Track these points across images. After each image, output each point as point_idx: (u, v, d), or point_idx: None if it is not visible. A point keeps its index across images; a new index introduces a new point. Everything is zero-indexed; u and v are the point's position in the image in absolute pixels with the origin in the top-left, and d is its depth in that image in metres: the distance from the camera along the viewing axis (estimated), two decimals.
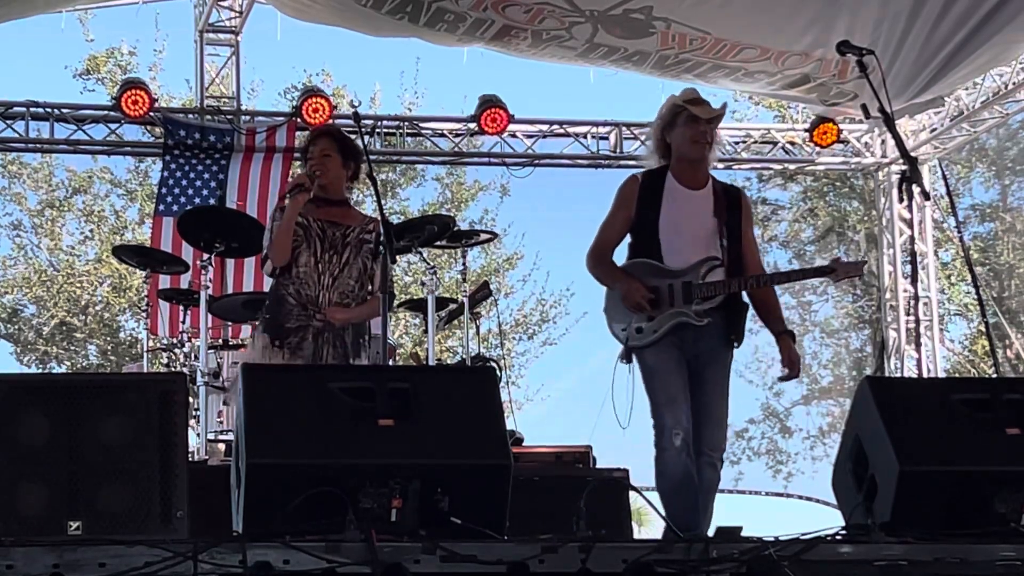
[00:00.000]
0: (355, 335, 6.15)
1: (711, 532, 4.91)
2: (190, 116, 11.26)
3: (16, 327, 21.05)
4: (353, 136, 6.29)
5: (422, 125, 11.96)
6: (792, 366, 5.69)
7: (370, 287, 6.14)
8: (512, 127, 11.50)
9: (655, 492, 5.46)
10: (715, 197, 5.70)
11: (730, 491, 15.88)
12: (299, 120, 10.84)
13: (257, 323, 6.71)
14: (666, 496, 5.44)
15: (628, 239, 5.77)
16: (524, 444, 8.21)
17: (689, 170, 5.70)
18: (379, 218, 5.97)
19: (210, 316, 8.01)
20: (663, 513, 5.01)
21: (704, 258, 5.60)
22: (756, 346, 19.62)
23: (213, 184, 10.78)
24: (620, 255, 5.82)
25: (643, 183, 5.74)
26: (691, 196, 5.69)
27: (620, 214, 5.75)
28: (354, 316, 6.09)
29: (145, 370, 8.69)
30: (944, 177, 12.24)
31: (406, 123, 11.99)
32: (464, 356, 9.03)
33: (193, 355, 8.31)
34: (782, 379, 5.86)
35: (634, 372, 5.62)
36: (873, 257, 12.35)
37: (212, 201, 10.65)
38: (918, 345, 11.95)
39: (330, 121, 10.58)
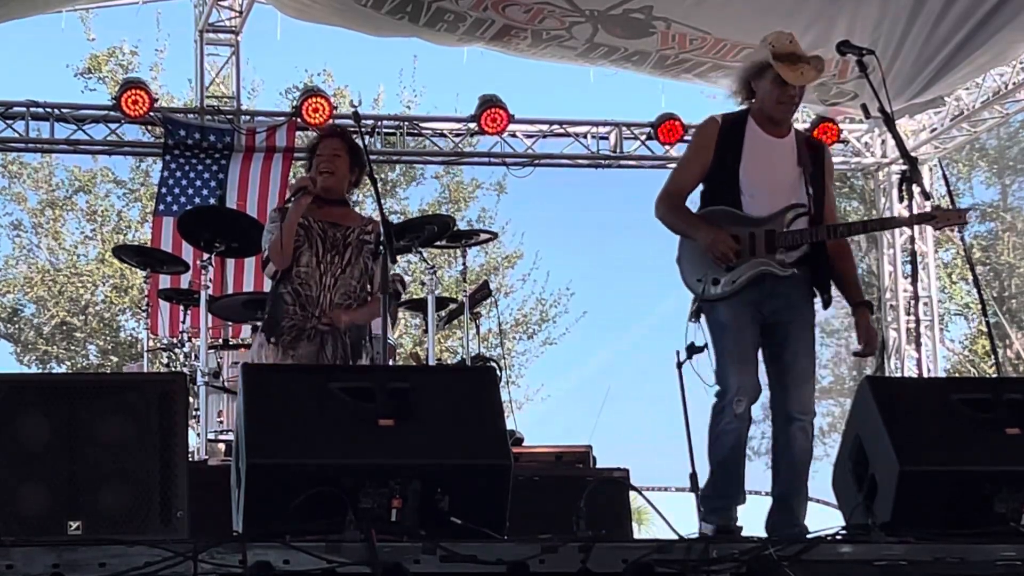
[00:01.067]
0: (356, 336, 6.15)
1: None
2: (190, 116, 11.26)
3: (16, 327, 21.05)
4: (353, 135, 6.30)
5: (422, 125, 11.96)
6: (869, 341, 5.36)
7: (370, 287, 6.15)
8: (512, 127, 11.50)
9: (655, 492, 5.45)
10: (798, 147, 5.40)
11: None
12: (299, 120, 10.84)
13: (256, 329, 6.73)
14: (716, 463, 5.29)
15: (701, 186, 5.45)
16: (524, 444, 8.21)
17: (771, 120, 5.39)
18: (378, 218, 5.97)
19: (210, 316, 8.01)
20: (663, 513, 4.99)
21: (789, 205, 5.30)
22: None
23: (213, 184, 10.78)
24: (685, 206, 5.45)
25: (723, 126, 5.40)
26: (774, 144, 5.37)
27: (698, 158, 5.43)
28: (358, 318, 6.09)
29: (145, 370, 8.69)
30: (944, 177, 12.23)
31: (406, 123, 11.99)
32: (464, 356, 9.03)
33: (193, 355, 8.31)
34: (857, 355, 5.51)
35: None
36: (873, 257, 12.34)
37: (212, 201, 10.65)
38: (918, 345, 11.95)
39: (334, 122, 10.58)
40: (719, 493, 5.33)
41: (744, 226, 5.26)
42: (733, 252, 5.20)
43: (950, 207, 5.50)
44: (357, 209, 7.33)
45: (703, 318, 5.31)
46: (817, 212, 5.32)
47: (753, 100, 5.42)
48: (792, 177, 5.34)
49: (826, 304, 5.36)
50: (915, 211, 5.33)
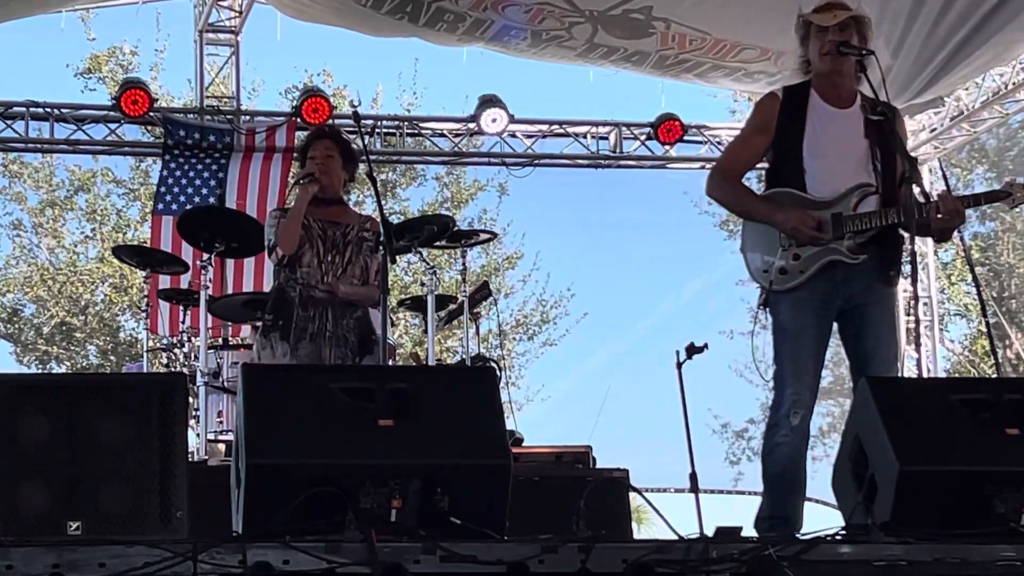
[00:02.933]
0: (361, 334, 6.18)
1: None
2: (190, 116, 11.26)
3: (16, 327, 21.05)
4: (353, 136, 6.32)
5: (422, 125, 11.96)
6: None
7: (368, 279, 6.20)
8: (512, 127, 11.51)
9: (655, 492, 5.40)
10: (865, 116, 5.12)
11: (730, 491, 15.90)
12: (299, 120, 10.84)
13: (256, 329, 6.73)
14: (769, 479, 5.04)
15: (767, 166, 5.22)
16: (524, 444, 8.21)
17: (831, 86, 5.13)
18: (375, 216, 5.99)
19: (210, 316, 8.01)
20: (662, 513, 4.98)
21: (855, 185, 5.04)
22: (757, 346, 19.61)
23: (213, 183, 10.79)
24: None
25: (784, 101, 5.16)
26: (838, 115, 5.11)
27: (757, 136, 5.19)
28: (355, 293, 6.13)
29: (145, 370, 8.70)
30: (944, 177, 12.22)
31: (406, 123, 11.99)
32: (464, 356, 9.03)
33: (193, 355, 8.32)
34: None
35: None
36: None
37: (211, 200, 10.66)
38: (918, 345, 11.94)
39: (330, 122, 10.58)
40: (775, 514, 5.03)
41: (809, 209, 5.04)
42: (822, 236, 4.95)
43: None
44: (357, 209, 7.35)
45: (769, 310, 5.09)
46: (888, 188, 5.04)
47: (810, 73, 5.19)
48: (859, 152, 5.07)
49: (893, 281, 5.10)
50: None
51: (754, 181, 5.51)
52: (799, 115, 5.12)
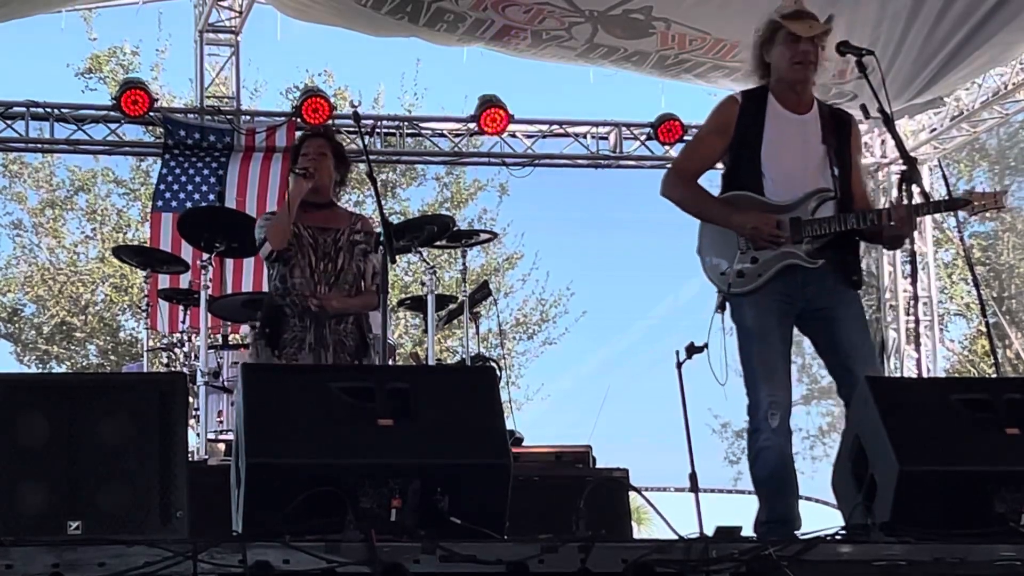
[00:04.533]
0: (359, 336, 6.17)
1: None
2: (190, 116, 11.27)
3: (16, 327, 21.05)
4: (353, 136, 6.31)
5: (422, 125, 11.96)
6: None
7: (364, 283, 6.17)
8: (512, 127, 11.51)
9: (655, 492, 5.40)
10: (823, 121, 5.13)
11: (730, 491, 15.89)
12: (299, 120, 10.84)
13: (254, 328, 6.72)
14: (760, 483, 5.02)
15: (723, 170, 5.20)
16: (524, 444, 8.21)
17: (792, 92, 5.13)
18: (366, 216, 5.99)
19: (210, 316, 8.01)
20: (662, 513, 4.97)
21: (813, 190, 5.04)
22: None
23: (212, 181, 10.80)
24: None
25: (743, 104, 5.14)
26: (796, 121, 5.12)
27: (715, 138, 5.16)
28: (348, 306, 6.10)
29: (145, 370, 8.70)
30: (944, 177, 12.24)
31: (406, 123, 11.99)
32: (464, 356, 9.03)
33: (193, 355, 8.32)
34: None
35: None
36: (872, 257, 12.34)
37: (211, 198, 10.67)
38: (918, 345, 11.95)
39: (328, 122, 10.59)
40: (772, 517, 4.99)
41: (767, 214, 5.04)
42: (781, 236, 4.95)
43: (985, 190, 5.27)
44: (358, 209, 7.34)
45: (728, 312, 5.09)
46: (844, 193, 5.06)
47: (768, 77, 5.17)
48: (817, 157, 5.08)
49: (856, 286, 5.09)
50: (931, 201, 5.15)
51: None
52: (758, 119, 5.10)
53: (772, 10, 5.22)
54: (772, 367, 4.99)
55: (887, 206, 5.18)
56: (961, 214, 5.35)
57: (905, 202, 5.07)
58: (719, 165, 5.29)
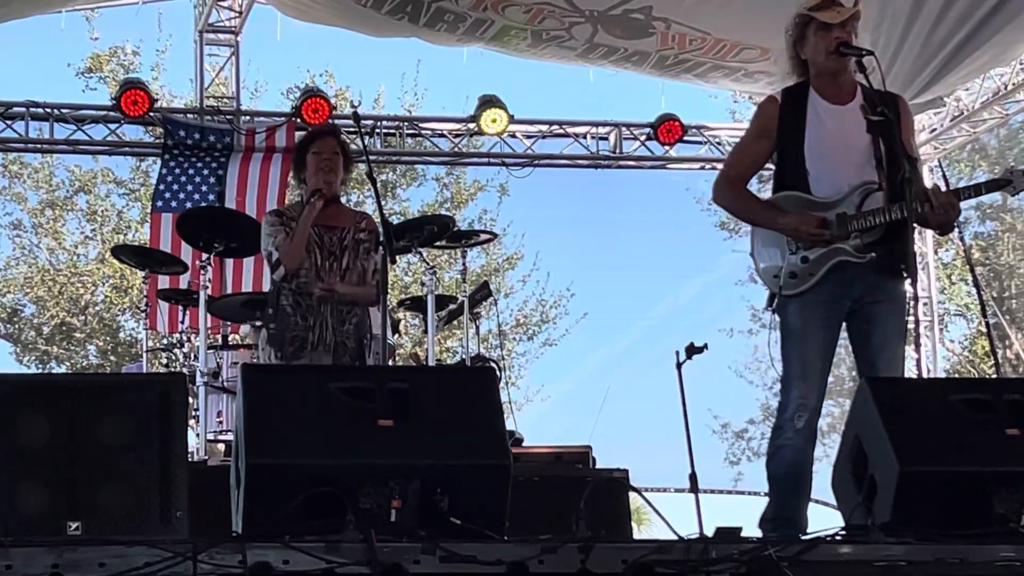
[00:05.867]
0: (359, 337, 6.17)
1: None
2: (190, 116, 11.26)
3: (16, 327, 21.05)
4: (353, 136, 6.32)
5: (422, 125, 11.96)
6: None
7: (365, 280, 6.19)
8: (512, 127, 11.51)
9: (655, 493, 5.39)
10: (870, 107, 5.05)
11: (730, 491, 15.90)
12: (299, 120, 10.84)
13: (258, 326, 6.72)
14: (773, 480, 5.05)
15: (773, 171, 5.20)
16: (524, 444, 8.22)
17: (832, 83, 5.10)
18: (370, 215, 5.99)
19: (209, 316, 8.01)
20: (662, 513, 4.97)
21: (858, 184, 5.01)
22: (756, 346, 19.60)
23: (212, 180, 10.80)
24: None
25: (783, 103, 5.15)
26: (838, 112, 5.09)
27: (758, 143, 5.19)
28: (353, 293, 6.12)
29: (145, 370, 8.70)
30: (944, 177, 12.22)
31: (406, 123, 11.99)
32: (464, 356, 9.03)
33: (193, 355, 8.32)
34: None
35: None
36: None
37: (211, 198, 10.67)
38: (918, 345, 11.93)
39: (331, 121, 10.58)
40: (779, 516, 5.02)
41: (814, 210, 5.03)
42: (824, 233, 4.95)
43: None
44: (358, 210, 7.34)
45: (777, 312, 5.10)
46: (892, 185, 4.99)
47: (807, 74, 5.14)
48: (861, 149, 5.04)
49: (903, 277, 5.04)
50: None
51: (754, 183, 5.48)
52: (799, 116, 5.11)
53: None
54: (809, 370, 5.00)
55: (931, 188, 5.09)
56: (961, 214, 5.33)
57: (943, 188, 5.06)
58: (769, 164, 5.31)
